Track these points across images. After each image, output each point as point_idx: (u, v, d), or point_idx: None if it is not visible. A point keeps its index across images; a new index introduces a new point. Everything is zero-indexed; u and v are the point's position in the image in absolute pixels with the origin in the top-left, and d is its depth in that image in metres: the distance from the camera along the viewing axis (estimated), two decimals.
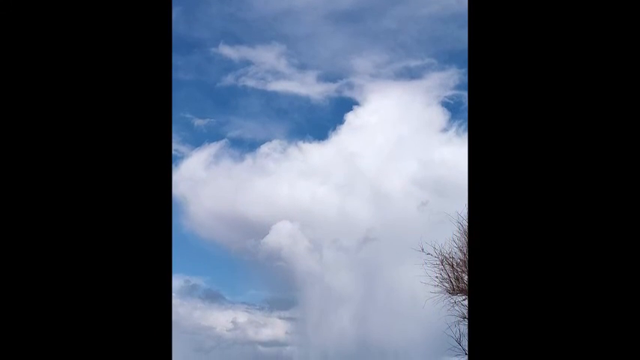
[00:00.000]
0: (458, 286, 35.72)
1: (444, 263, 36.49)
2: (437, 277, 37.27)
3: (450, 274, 36.21)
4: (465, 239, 36.11)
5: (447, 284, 36.38)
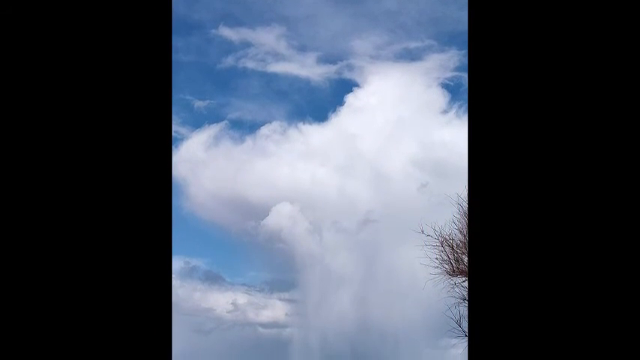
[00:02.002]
0: (458, 268, 35.80)
1: (443, 245, 36.55)
2: (437, 258, 37.33)
3: (450, 256, 36.28)
4: (465, 221, 36.19)
5: (447, 266, 36.46)
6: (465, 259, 36.20)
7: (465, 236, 36.03)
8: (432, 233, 36.81)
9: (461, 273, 36.15)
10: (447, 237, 36.28)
